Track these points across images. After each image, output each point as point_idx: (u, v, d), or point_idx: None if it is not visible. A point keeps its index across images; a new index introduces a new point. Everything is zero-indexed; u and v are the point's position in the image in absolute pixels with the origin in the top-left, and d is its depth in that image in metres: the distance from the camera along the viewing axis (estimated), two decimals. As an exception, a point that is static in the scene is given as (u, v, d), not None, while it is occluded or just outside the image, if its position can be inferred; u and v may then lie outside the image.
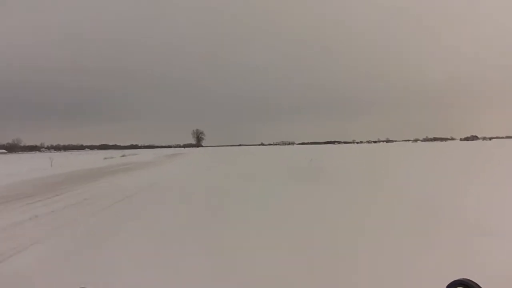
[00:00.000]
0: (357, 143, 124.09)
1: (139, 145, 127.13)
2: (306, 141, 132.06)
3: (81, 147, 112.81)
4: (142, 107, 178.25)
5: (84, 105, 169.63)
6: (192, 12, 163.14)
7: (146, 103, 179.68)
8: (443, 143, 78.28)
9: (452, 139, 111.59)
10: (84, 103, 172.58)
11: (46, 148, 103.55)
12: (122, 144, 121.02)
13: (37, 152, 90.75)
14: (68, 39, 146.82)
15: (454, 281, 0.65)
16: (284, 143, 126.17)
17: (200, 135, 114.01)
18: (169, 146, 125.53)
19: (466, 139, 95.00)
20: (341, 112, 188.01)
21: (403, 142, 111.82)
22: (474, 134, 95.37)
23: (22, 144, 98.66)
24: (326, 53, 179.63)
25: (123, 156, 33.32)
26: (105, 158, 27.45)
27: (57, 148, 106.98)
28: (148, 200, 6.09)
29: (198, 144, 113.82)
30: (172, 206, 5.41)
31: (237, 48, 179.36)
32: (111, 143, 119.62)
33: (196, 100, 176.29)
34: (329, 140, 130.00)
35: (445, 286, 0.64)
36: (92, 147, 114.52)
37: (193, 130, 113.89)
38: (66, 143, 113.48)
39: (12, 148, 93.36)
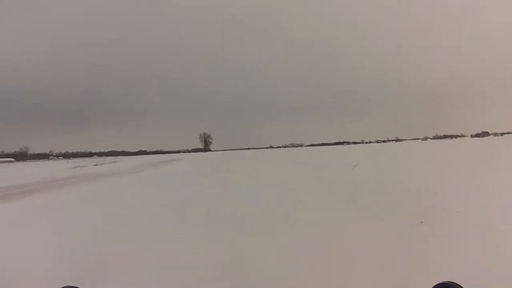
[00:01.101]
0: (366, 143, 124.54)
1: (148, 150, 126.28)
2: (315, 143, 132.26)
3: (89, 154, 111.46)
4: (148, 109, 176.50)
5: (91, 111, 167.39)
6: (192, 12, 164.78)
7: (151, 104, 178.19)
8: (454, 140, 78.71)
9: (462, 136, 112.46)
10: (90, 108, 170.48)
11: (55, 156, 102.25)
12: (130, 150, 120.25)
13: (45, 160, 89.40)
14: (68, 39, 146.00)
15: (438, 284, 0.60)
16: (293, 145, 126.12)
17: (207, 139, 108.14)
18: (178, 151, 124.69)
19: (477, 135, 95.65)
20: (349, 112, 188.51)
21: (412, 140, 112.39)
22: (485, 130, 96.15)
23: (30, 152, 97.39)
24: (327, 53, 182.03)
25: (95, 165, 29.87)
26: (75, 167, 26.22)
27: (66, 155, 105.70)
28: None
29: (206, 149, 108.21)
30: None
31: (237, 48, 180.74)
32: (119, 150, 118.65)
33: (202, 102, 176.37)
34: (338, 141, 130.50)
35: None
36: (100, 154, 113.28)
37: (200, 134, 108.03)
38: (75, 150, 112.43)
39: (21, 156, 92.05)
